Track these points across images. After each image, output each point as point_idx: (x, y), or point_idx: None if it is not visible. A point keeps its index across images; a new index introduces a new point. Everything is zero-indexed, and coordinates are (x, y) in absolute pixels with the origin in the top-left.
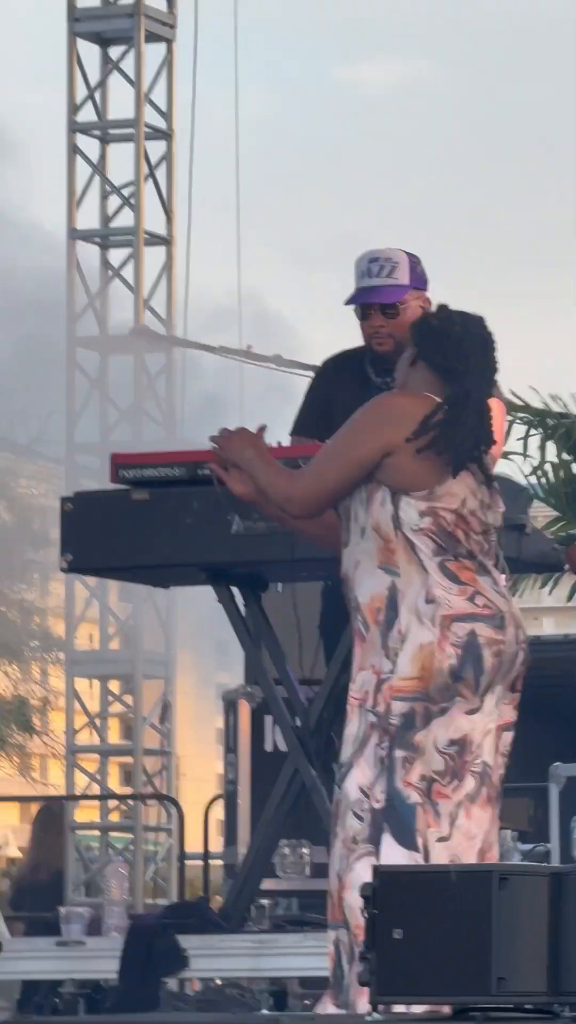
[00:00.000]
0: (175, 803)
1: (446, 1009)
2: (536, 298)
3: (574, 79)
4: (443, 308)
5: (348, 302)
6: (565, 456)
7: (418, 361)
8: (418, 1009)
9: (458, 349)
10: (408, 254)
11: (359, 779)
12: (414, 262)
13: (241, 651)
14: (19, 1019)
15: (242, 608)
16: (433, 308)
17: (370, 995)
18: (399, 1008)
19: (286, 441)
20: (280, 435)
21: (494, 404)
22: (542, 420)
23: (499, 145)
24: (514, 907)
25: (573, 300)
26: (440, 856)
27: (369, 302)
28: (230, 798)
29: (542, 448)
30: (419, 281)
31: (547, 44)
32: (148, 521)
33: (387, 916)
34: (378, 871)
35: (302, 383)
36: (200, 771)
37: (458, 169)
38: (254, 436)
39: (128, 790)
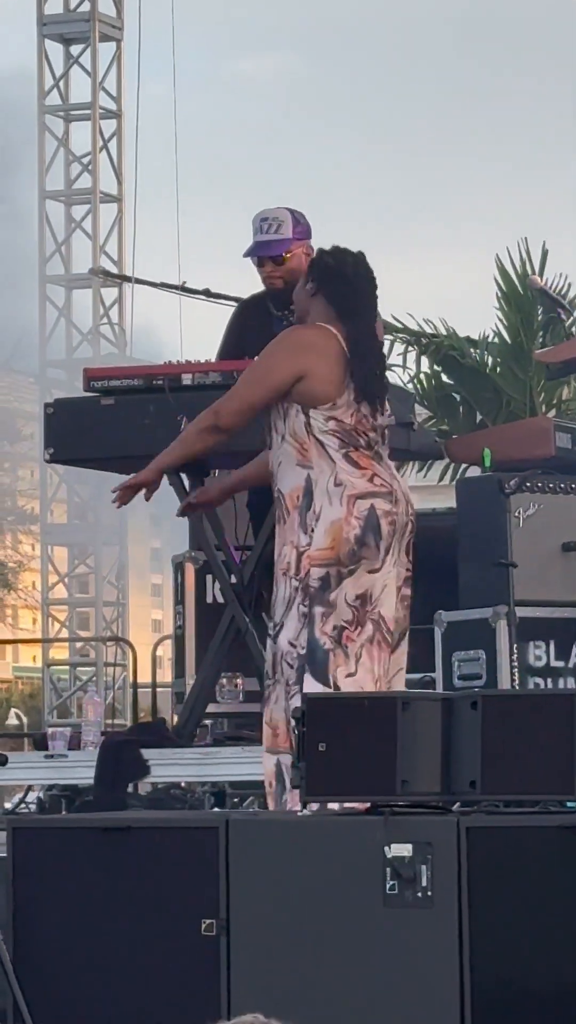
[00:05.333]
0: (129, 644)
1: (361, 806)
2: (423, 247)
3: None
4: (336, 248)
5: (245, 255)
6: (435, 368)
7: (318, 295)
8: (336, 807)
9: (354, 289)
10: (291, 211)
11: (288, 635)
12: (297, 218)
13: (171, 523)
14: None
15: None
16: (327, 248)
17: (300, 795)
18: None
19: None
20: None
21: (377, 327)
22: (417, 340)
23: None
24: (414, 726)
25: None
26: (348, 688)
27: (261, 255)
28: (179, 641)
29: (417, 362)
30: (302, 233)
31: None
32: (113, 421)
33: (314, 733)
34: (306, 698)
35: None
36: (140, 618)
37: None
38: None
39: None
